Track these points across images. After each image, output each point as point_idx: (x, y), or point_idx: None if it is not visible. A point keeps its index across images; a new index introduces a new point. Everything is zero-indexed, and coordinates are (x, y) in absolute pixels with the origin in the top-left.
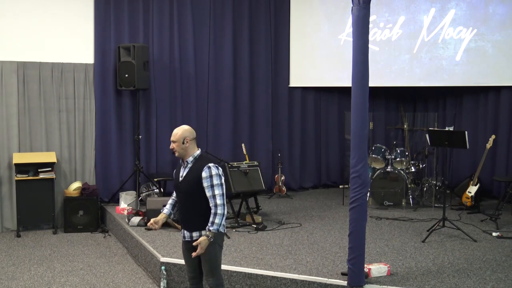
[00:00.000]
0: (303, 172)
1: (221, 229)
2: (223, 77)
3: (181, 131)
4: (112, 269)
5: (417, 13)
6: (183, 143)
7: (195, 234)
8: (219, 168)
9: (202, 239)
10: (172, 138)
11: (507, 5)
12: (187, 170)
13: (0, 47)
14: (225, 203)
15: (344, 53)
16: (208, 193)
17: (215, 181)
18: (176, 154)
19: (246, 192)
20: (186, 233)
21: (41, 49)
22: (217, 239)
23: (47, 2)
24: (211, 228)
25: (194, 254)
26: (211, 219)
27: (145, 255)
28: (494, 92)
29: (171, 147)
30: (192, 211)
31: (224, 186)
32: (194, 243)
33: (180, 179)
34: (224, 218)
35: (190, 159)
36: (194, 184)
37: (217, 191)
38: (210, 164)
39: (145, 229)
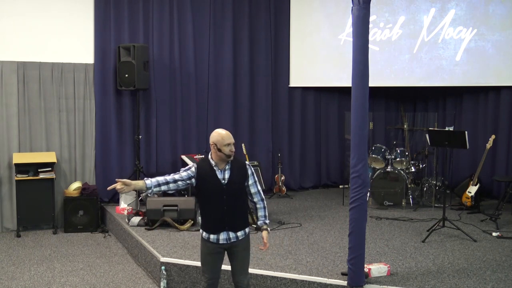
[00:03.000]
0: (303, 172)
1: None
2: (223, 77)
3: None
4: (112, 269)
5: (417, 13)
6: None
7: (240, 233)
8: None
9: (267, 234)
10: (233, 141)
11: (507, 5)
12: (228, 172)
13: (0, 47)
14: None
15: (344, 53)
16: (253, 189)
17: (256, 177)
18: (232, 157)
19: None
20: (232, 235)
21: (41, 49)
22: (249, 236)
23: (47, 2)
24: (266, 222)
25: (264, 248)
26: (263, 213)
27: (145, 255)
28: (494, 92)
29: (233, 149)
30: (240, 211)
31: None
32: (265, 240)
33: (223, 181)
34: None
35: (229, 161)
36: (242, 184)
37: (259, 187)
38: (247, 162)
39: (145, 229)
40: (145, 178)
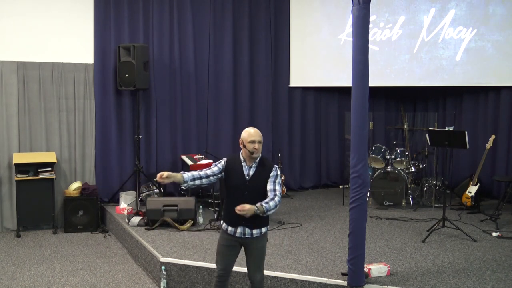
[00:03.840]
0: (303, 172)
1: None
2: (223, 77)
3: (260, 133)
4: (112, 269)
5: (417, 13)
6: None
7: (256, 231)
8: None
9: (251, 207)
10: (259, 139)
11: (507, 5)
12: (253, 169)
13: (0, 47)
14: (280, 201)
15: (344, 53)
16: (270, 186)
17: (279, 179)
18: (257, 155)
19: None
20: (247, 230)
21: (41, 49)
22: (266, 236)
23: (47, 2)
24: (263, 204)
25: (238, 208)
26: (268, 200)
27: (145, 255)
28: (494, 92)
29: (256, 147)
30: None
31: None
32: (241, 206)
33: (247, 178)
34: (274, 210)
35: (257, 160)
36: (263, 182)
37: (278, 187)
38: (276, 166)
39: (145, 229)
40: (182, 172)
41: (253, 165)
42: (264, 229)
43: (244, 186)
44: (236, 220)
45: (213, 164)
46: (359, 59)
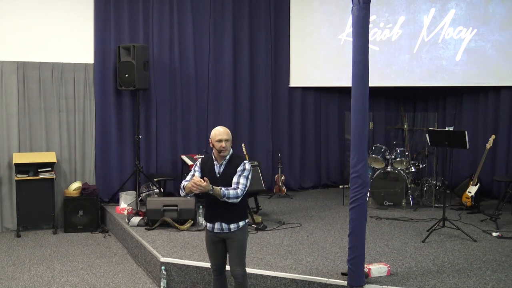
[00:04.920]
0: (303, 172)
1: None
2: (223, 77)
3: (228, 131)
4: (112, 269)
5: (417, 13)
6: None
7: (233, 226)
8: (251, 167)
9: (208, 184)
10: (225, 137)
11: (507, 5)
12: (223, 167)
13: (0, 47)
14: (242, 195)
15: (344, 53)
16: (235, 179)
17: (245, 173)
18: (225, 153)
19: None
20: (224, 225)
21: (41, 49)
22: (247, 230)
23: (47, 2)
24: (223, 188)
25: (197, 181)
26: (229, 188)
27: (145, 255)
28: (494, 92)
29: (223, 145)
30: (233, 204)
31: (249, 182)
32: (199, 180)
33: (218, 175)
34: (234, 200)
35: (227, 157)
36: (231, 179)
37: (243, 181)
38: (246, 162)
39: (145, 229)
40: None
41: (223, 163)
42: (241, 223)
43: (216, 184)
44: (212, 216)
45: (192, 169)
46: (359, 59)
